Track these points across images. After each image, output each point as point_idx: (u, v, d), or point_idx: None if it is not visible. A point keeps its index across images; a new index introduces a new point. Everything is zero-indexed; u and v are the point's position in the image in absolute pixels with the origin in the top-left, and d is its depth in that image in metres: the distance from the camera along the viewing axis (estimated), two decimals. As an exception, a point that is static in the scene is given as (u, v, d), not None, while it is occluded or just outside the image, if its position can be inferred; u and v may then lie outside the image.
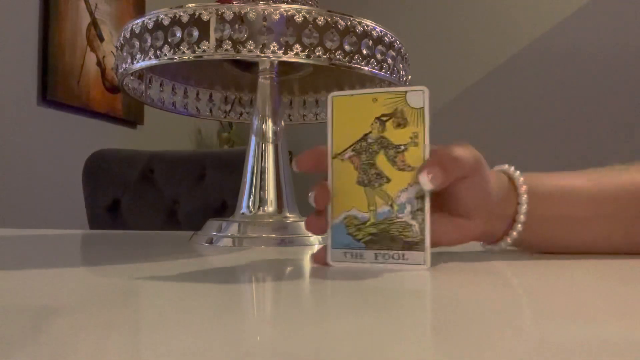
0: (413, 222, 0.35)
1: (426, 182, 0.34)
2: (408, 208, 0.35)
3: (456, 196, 0.37)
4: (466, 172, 0.36)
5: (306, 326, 0.21)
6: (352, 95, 0.37)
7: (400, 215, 0.35)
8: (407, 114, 0.35)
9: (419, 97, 0.35)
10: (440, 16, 2.53)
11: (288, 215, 0.60)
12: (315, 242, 0.56)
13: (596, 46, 2.20)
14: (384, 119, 0.36)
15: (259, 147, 0.61)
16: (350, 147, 0.36)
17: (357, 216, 0.36)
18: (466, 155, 0.35)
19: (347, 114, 0.37)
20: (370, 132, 0.36)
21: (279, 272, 0.38)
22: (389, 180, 0.35)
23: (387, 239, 0.35)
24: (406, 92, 0.35)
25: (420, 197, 0.35)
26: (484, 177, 0.37)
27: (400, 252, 0.35)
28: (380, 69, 0.54)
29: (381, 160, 0.36)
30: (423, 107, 0.35)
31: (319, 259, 0.37)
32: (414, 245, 0.34)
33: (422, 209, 0.35)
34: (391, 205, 0.35)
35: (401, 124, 0.35)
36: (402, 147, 0.35)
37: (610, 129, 2.16)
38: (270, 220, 0.58)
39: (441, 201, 0.37)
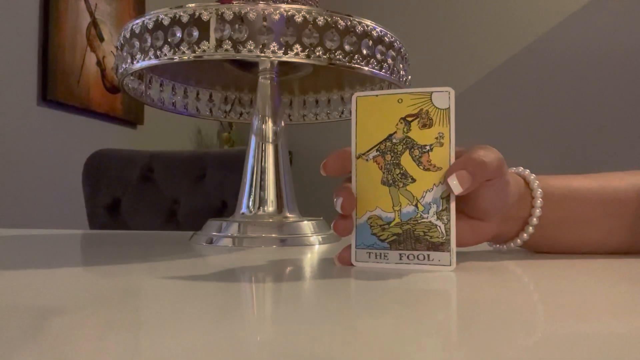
0: (438, 223, 0.35)
1: (456, 186, 0.34)
2: (433, 208, 0.35)
3: (477, 198, 0.37)
4: (491, 176, 0.36)
5: (306, 326, 0.21)
6: (376, 95, 0.37)
7: (425, 215, 0.35)
8: (432, 114, 0.35)
9: (444, 97, 0.35)
10: (440, 16, 2.53)
11: (288, 215, 0.60)
12: (315, 242, 0.56)
13: (596, 46, 2.20)
14: (410, 119, 0.36)
15: (259, 147, 0.61)
16: (374, 147, 0.36)
17: (382, 216, 0.36)
18: (491, 158, 0.35)
19: (371, 115, 0.37)
20: (395, 133, 0.36)
21: (279, 272, 0.38)
22: (414, 180, 0.35)
23: (411, 239, 0.35)
24: (431, 92, 0.36)
25: (446, 197, 0.35)
26: (505, 180, 0.37)
27: (425, 252, 0.35)
28: (380, 69, 0.54)
29: (406, 161, 0.36)
30: (449, 108, 0.35)
31: (343, 259, 0.37)
32: (440, 246, 0.34)
33: (447, 209, 0.35)
34: (416, 205, 0.35)
35: (427, 124, 0.35)
36: (428, 148, 0.35)
37: (610, 128, 2.16)
38: (270, 220, 0.58)
39: (458, 202, 0.37)
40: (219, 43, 0.49)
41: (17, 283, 0.30)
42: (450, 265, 0.34)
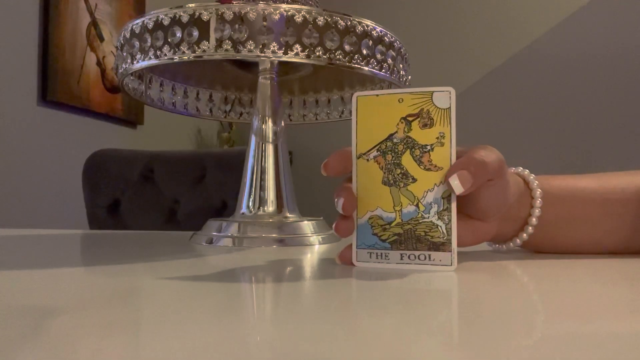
0: (439, 223, 0.35)
1: (458, 186, 0.34)
2: (434, 208, 0.35)
3: (477, 199, 0.37)
4: (492, 176, 0.36)
5: (307, 326, 0.21)
6: (377, 95, 0.37)
7: (426, 215, 0.35)
8: (433, 114, 0.35)
9: (445, 97, 0.35)
10: (440, 16, 2.53)
11: (288, 215, 0.60)
12: (315, 242, 0.56)
13: (596, 46, 2.20)
14: (410, 119, 0.36)
15: (259, 147, 0.61)
16: (375, 147, 0.36)
17: (382, 216, 0.36)
18: (492, 158, 0.35)
19: (371, 114, 0.37)
20: (396, 132, 0.36)
21: (279, 272, 0.38)
22: (414, 180, 0.35)
23: (412, 239, 0.35)
24: (432, 92, 0.36)
25: (447, 197, 0.35)
26: (505, 180, 0.37)
27: (426, 252, 0.35)
28: (380, 69, 0.54)
29: (407, 160, 0.36)
30: (449, 108, 0.35)
31: (344, 258, 0.37)
32: (441, 245, 0.34)
33: (448, 209, 0.35)
34: (417, 205, 0.35)
35: (427, 124, 0.35)
36: (428, 147, 0.35)
37: (610, 128, 2.16)
38: (270, 220, 0.58)
39: (458, 202, 0.37)
40: (219, 43, 0.49)
41: (17, 283, 0.30)
42: (451, 265, 0.34)
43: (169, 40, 0.50)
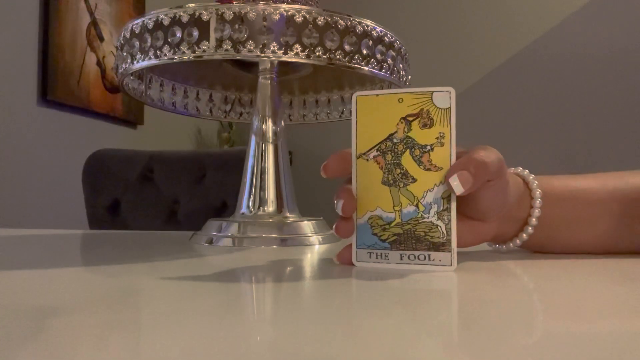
0: (439, 223, 0.35)
1: (458, 186, 0.34)
2: (434, 208, 0.35)
3: (476, 199, 0.37)
4: (492, 177, 0.36)
5: (307, 326, 0.21)
6: (377, 95, 0.37)
7: (426, 215, 0.35)
8: (433, 114, 0.35)
9: (445, 97, 0.35)
10: (440, 16, 2.53)
11: (288, 215, 0.60)
12: (315, 242, 0.56)
13: (596, 46, 2.20)
14: (410, 119, 0.36)
15: (259, 147, 0.61)
16: (375, 147, 0.36)
17: (382, 216, 0.36)
18: (492, 158, 0.35)
19: (371, 114, 0.37)
20: (396, 132, 0.36)
21: (279, 272, 0.38)
22: (414, 180, 0.35)
23: (412, 239, 0.35)
24: (432, 92, 0.36)
25: (447, 197, 0.35)
26: (505, 180, 0.37)
27: (426, 253, 0.35)
28: (380, 69, 0.54)
29: (407, 160, 0.36)
30: (449, 108, 0.35)
31: (343, 258, 0.37)
32: (440, 246, 0.34)
33: (448, 209, 0.35)
34: (417, 206, 0.35)
35: (427, 124, 0.35)
36: (428, 147, 0.35)
37: (610, 129, 2.16)
38: (270, 220, 0.58)
39: (458, 203, 0.37)
40: (219, 43, 0.48)
41: (17, 283, 0.30)
42: (450, 265, 0.34)
43: (169, 40, 0.50)
